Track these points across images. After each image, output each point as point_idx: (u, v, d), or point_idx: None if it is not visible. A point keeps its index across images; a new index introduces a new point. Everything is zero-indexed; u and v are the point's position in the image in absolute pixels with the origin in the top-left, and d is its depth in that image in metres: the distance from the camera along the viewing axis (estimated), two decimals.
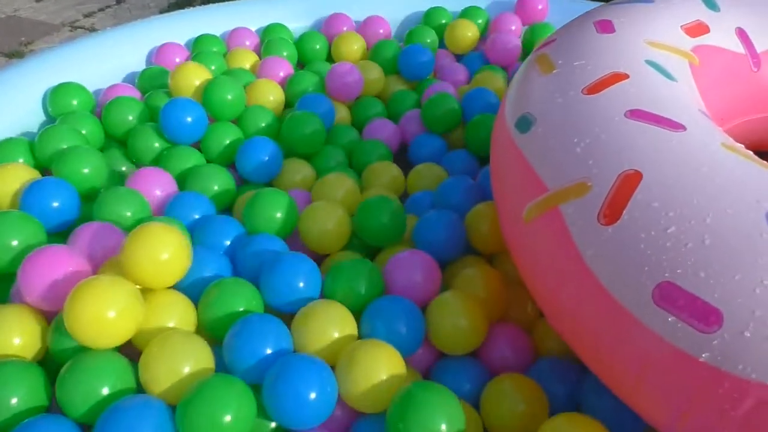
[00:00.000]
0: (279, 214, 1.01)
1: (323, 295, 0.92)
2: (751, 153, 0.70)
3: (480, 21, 1.62)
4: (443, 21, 1.63)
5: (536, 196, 0.70)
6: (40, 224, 0.91)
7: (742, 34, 1.01)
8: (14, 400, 0.73)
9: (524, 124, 0.78)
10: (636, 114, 0.71)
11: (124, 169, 1.22)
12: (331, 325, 0.81)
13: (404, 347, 0.81)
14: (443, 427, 0.69)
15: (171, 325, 0.83)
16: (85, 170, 1.03)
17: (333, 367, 0.77)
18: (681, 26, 0.95)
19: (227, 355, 0.79)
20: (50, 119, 1.30)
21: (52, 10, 3.19)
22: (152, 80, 1.40)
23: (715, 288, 0.54)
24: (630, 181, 0.63)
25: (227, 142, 1.23)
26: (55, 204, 0.95)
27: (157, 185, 1.06)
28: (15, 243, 0.86)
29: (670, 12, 0.97)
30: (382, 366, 0.75)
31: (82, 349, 0.76)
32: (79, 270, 0.81)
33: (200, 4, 3.07)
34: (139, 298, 0.76)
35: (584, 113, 0.73)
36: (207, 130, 1.24)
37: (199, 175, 1.13)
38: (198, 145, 1.25)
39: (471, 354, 0.88)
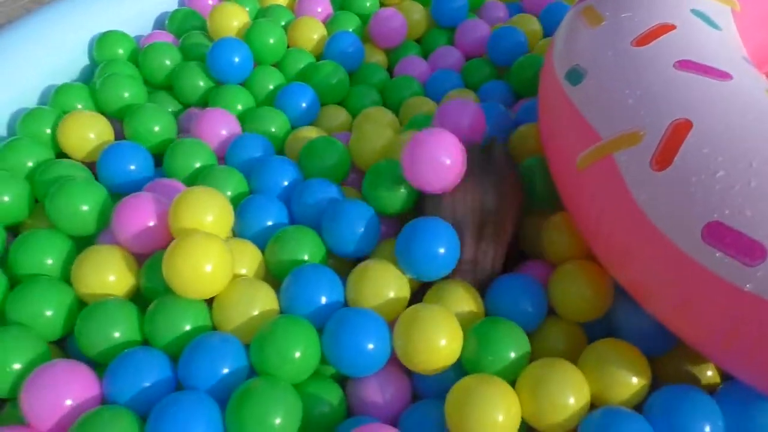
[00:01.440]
0: (333, 161, 1.07)
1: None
2: None
3: None
4: None
5: (589, 145, 0.76)
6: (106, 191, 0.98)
7: None
8: (116, 334, 0.82)
9: (575, 76, 0.83)
10: (684, 64, 0.75)
11: (171, 110, 1.27)
12: (384, 287, 0.87)
13: (529, 323, 0.87)
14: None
15: (243, 272, 0.92)
16: (156, 128, 1.11)
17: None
18: None
19: (283, 303, 0.88)
20: (93, 65, 1.35)
21: None
22: (184, 22, 1.43)
23: (760, 225, 0.60)
24: (681, 129, 0.68)
25: (271, 87, 1.29)
26: (132, 167, 1.02)
27: (223, 126, 1.13)
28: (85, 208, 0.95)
29: None
30: (441, 332, 0.79)
31: (168, 290, 0.84)
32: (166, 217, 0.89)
33: None
34: (229, 252, 0.84)
35: (634, 65, 0.77)
36: (252, 72, 1.29)
37: (256, 116, 1.19)
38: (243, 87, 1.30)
39: None
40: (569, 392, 0.74)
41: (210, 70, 1.26)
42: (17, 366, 0.78)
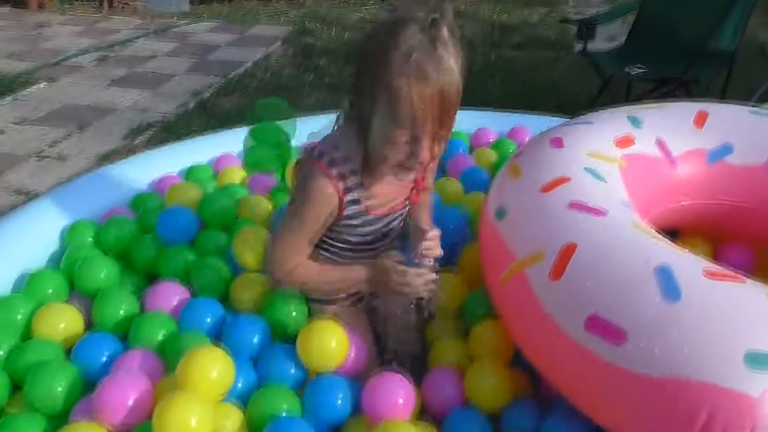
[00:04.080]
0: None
1: None
2: (651, 230, 1.03)
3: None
4: None
5: (509, 263, 1.03)
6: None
7: (660, 143, 1.37)
8: None
9: (501, 213, 1.12)
10: (574, 205, 1.05)
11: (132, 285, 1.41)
12: None
13: None
14: None
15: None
16: (121, 311, 1.27)
17: None
18: (613, 140, 1.32)
19: None
20: (63, 252, 1.48)
21: (17, 141, 3.32)
22: (145, 202, 1.63)
23: (621, 316, 0.86)
24: (569, 250, 0.96)
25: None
26: (104, 357, 1.15)
27: (174, 295, 1.29)
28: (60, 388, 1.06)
29: (604, 130, 1.34)
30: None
31: None
32: (146, 390, 1.02)
33: (160, 131, 3.43)
34: (211, 409, 0.99)
35: (540, 205, 1.07)
36: (199, 233, 1.49)
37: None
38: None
39: None
40: None
41: (159, 235, 1.46)
42: None
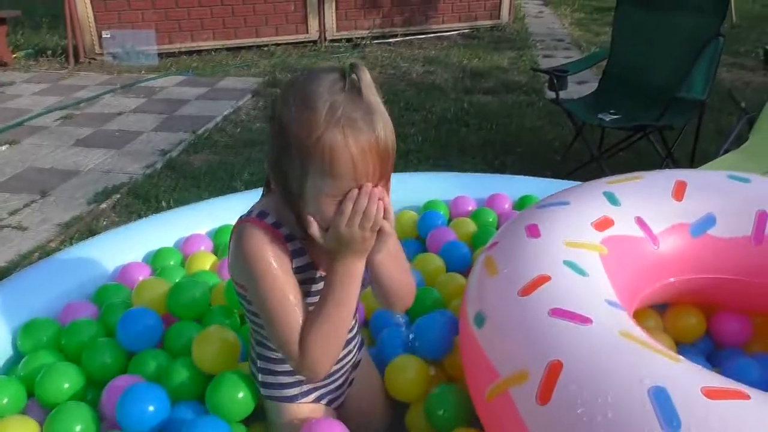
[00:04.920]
0: None
1: None
2: (643, 335, 0.95)
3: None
4: None
5: (492, 380, 0.94)
6: None
7: (640, 221, 1.31)
8: None
9: (479, 320, 1.04)
10: (556, 312, 0.97)
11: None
12: None
13: None
14: None
15: None
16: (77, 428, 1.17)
17: None
18: (591, 223, 1.26)
19: None
20: (17, 355, 1.40)
21: None
22: (110, 295, 1.53)
23: None
24: (555, 369, 0.88)
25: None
26: None
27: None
28: None
29: (581, 211, 1.28)
30: None
31: None
32: None
33: (126, 195, 3.28)
34: None
35: (520, 313, 0.99)
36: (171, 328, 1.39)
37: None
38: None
39: None
40: None
41: (120, 341, 1.36)
42: None
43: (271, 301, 0.95)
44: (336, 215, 0.88)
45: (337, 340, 0.97)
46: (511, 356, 0.94)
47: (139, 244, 1.76)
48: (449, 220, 1.91)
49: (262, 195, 1.05)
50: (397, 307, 1.12)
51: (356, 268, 0.94)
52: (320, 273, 1.03)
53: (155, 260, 1.72)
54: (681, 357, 0.91)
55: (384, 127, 0.87)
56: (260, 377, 1.14)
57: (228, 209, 1.85)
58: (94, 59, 6.10)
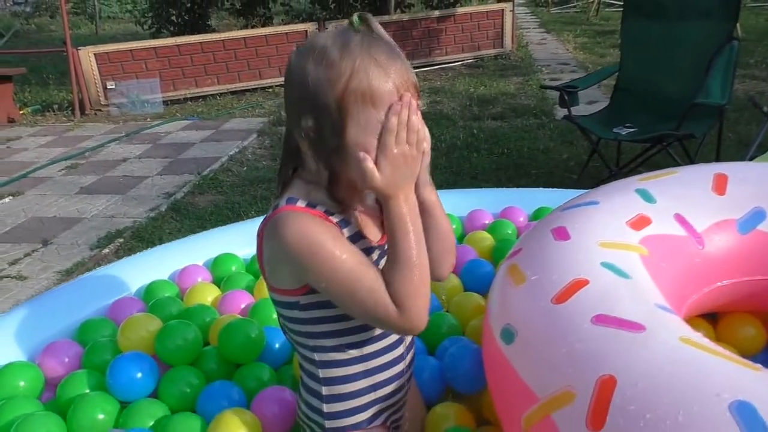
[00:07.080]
0: None
1: None
2: (706, 341, 0.79)
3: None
4: None
5: (530, 405, 0.78)
6: None
7: (680, 218, 1.16)
8: None
9: (508, 335, 0.88)
10: (600, 319, 0.81)
11: None
12: None
13: None
14: None
15: None
16: None
17: None
18: (626, 222, 1.11)
19: None
20: None
21: None
22: (94, 331, 1.39)
23: None
24: (607, 386, 0.72)
25: (187, 390, 1.23)
26: None
27: None
28: None
29: (614, 210, 1.13)
30: None
31: None
32: None
33: (130, 238, 3.15)
34: None
35: (556, 323, 0.83)
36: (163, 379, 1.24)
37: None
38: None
39: None
40: None
41: (111, 390, 1.22)
42: None
43: (340, 271, 0.83)
44: (383, 134, 0.82)
45: (428, 284, 0.87)
46: (551, 374, 0.78)
47: (133, 279, 1.62)
48: (462, 236, 1.76)
49: (281, 192, 0.91)
50: (442, 270, 0.97)
51: (414, 200, 0.87)
52: (371, 242, 0.91)
53: (148, 294, 1.57)
54: (760, 366, 0.74)
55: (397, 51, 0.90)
56: (326, 408, 0.95)
57: (224, 242, 1.74)
58: (100, 110, 6.12)
